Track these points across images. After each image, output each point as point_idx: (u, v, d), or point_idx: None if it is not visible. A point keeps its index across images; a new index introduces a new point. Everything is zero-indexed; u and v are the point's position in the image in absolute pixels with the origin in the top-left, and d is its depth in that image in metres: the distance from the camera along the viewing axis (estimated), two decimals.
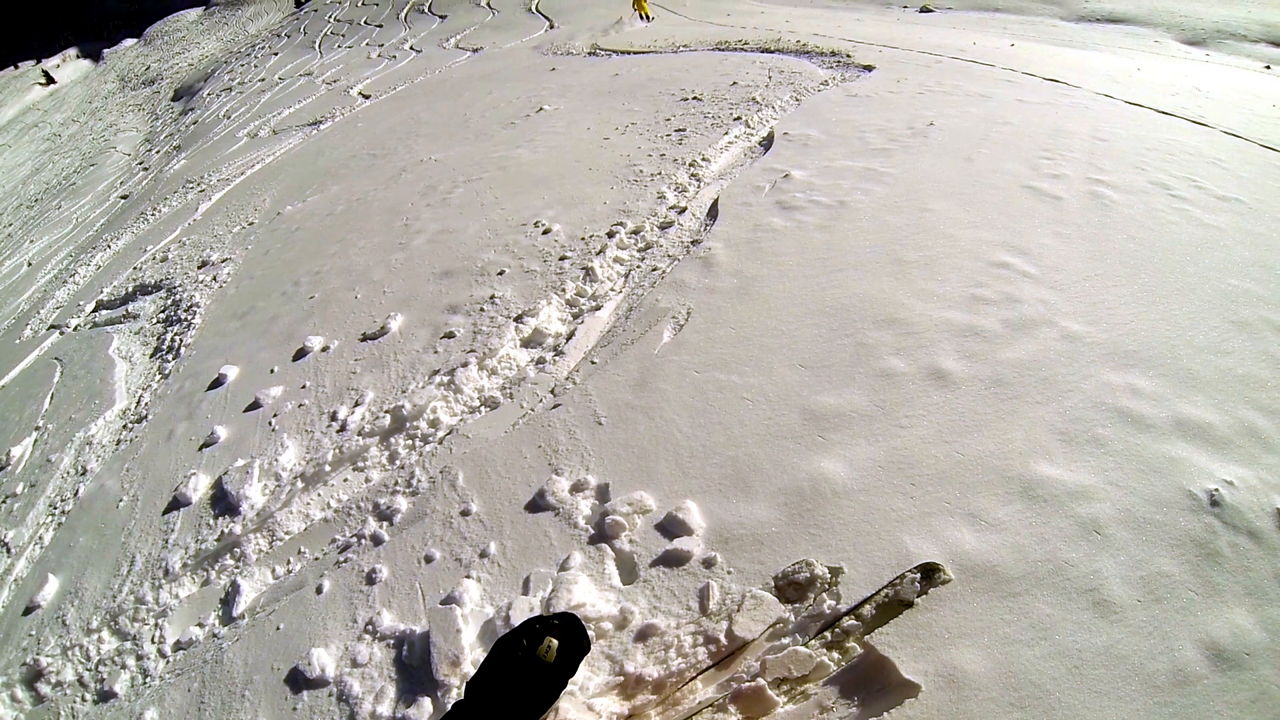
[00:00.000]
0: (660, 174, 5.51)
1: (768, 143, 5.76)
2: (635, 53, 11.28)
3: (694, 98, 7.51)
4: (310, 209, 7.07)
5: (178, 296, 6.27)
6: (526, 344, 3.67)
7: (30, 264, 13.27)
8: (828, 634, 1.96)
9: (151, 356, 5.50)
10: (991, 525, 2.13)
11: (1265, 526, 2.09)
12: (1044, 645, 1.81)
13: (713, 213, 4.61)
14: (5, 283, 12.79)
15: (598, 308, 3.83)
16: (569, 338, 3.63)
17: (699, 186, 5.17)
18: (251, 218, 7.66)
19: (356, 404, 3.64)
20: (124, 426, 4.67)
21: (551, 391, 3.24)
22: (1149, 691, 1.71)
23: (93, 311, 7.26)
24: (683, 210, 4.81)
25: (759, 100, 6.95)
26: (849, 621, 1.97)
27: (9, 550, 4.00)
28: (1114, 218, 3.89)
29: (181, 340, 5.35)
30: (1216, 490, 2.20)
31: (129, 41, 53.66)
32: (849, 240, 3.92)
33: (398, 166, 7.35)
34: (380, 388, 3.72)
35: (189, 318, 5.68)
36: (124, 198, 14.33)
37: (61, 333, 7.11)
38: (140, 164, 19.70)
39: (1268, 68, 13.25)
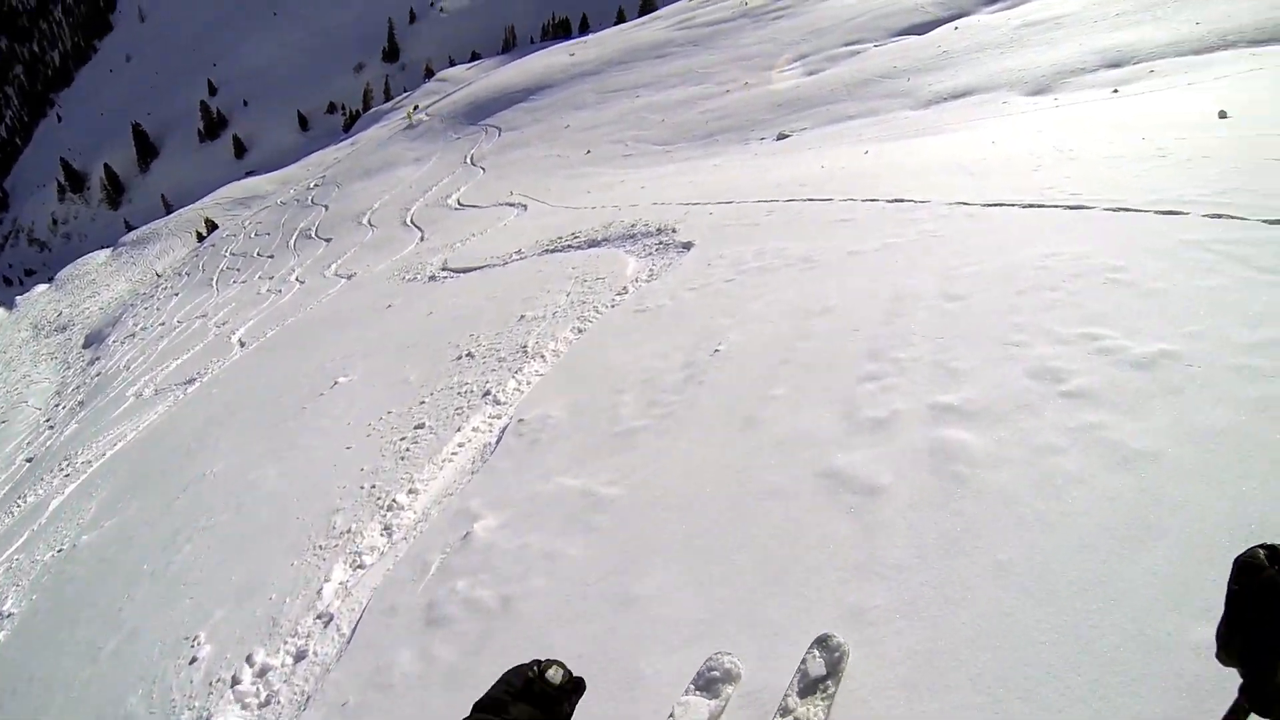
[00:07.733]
0: (350, 530, 4.72)
1: (503, 432, 5.05)
2: (474, 269, 11.42)
3: (467, 354, 7.18)
4: (95, 545, 7.26)
5: None
6: None
7: None
8: None
9: None
10: None
11: None
12: None
13: (355, 633, 3.66)
14: None
15: None
16: None
17: (380, 553, 4.36)
18: (63, 542, 7.92)
19: None
20: None
21: None
22: None
23: None
24: (329, 621, 3.89)
25: (529, 350, 6.54)
26: None
27: None
28: (970, 516, 2.47)
29: None
30: None
31: (41, 287, 54.76)
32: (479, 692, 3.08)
33: (185, 481, 7.58)
34: None
35: None
36: (29, 460, 15.08)
37: None
38: (48, 421, 19.96)
39: (1115, 91, 13.64)
